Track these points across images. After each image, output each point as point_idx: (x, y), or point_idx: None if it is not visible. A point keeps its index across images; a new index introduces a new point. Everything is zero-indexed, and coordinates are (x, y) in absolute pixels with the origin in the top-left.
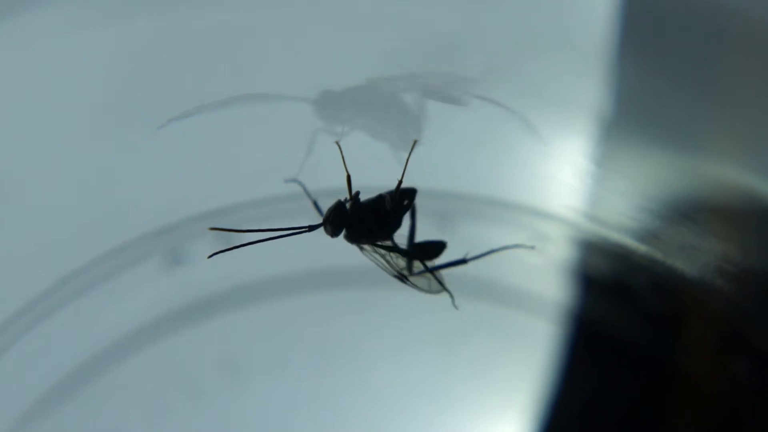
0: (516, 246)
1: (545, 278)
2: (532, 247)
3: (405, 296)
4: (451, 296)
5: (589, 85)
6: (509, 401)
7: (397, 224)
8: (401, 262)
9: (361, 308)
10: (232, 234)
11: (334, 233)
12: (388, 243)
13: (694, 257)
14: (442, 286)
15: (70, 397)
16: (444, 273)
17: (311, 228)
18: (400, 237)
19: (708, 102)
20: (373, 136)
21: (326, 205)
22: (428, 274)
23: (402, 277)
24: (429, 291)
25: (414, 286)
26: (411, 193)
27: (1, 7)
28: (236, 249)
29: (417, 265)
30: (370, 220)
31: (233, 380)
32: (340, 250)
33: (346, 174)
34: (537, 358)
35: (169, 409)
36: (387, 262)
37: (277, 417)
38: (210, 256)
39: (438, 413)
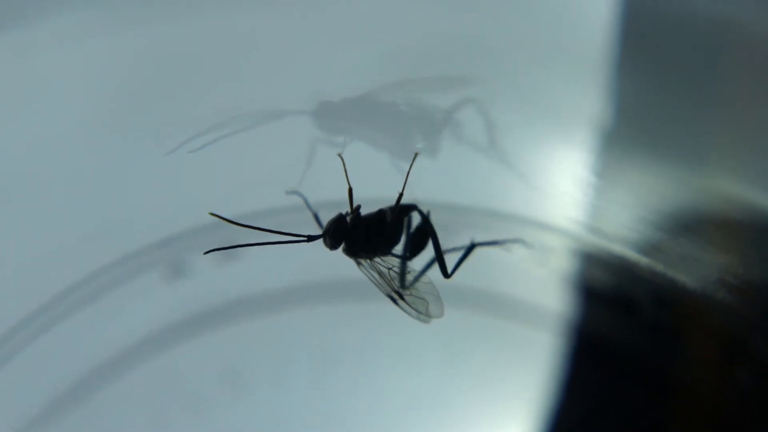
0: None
1: (547, 290)
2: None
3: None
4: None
5: (590, 97)
6: (511, 412)
7: (396, 240)
8: (397, 282)
9: (363, 319)
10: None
11: (333, 246)
12: (387, 259)
13: (695, 269)
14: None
15: (72, 408)
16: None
17: (310, 238)
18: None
19: (709, 114)
20: (374, 147)
21: (327, 217)
22: (426, 297)
23: (398, 296)
24: (425, 315)
25: (409, 307)
26: (411, 209)
27: (11, 15)
28: (232, 249)
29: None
30: (369, 235)
31: (235, 390)
32: (342, 261)
33: (348, 187)
34: (539, 369)
35: (172, 419)
36: (383, 279)
37: (279, 427)
38: (206, 253)
39: (440, 423)
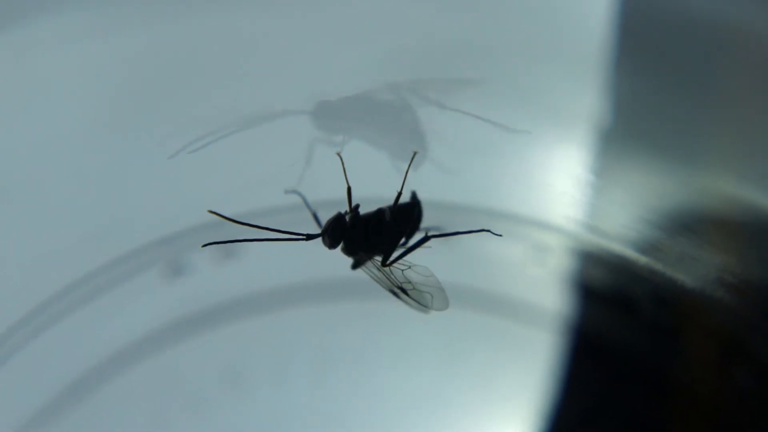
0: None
1: (546, 289)
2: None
3: (406, 307)
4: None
5: (588, 96)
6: (510, 412)
7: (396, 240)
8: (398, 277)
9: (363, 319)
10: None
11: (332, 245)
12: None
13: (693, 268)
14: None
15: (71, 407)
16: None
17: (309, 237)
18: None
19: (708, 114)
20: (373, 147)
21: (325, 216)
22: (430, 290)
23: (401, 291)
24: (428, 307)
25: (412, 301)
26: (410, 208)
27: (11, 15)
28: (231, 245)
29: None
30: (368, 234)
31: (235, 390)
32: (341, 260)
33: (346, 186)
34: (538, 368)
35: (172, 419)
36: (384, 276)
37: (279, 427)
38: (204, 246)
39: (440, 423)
